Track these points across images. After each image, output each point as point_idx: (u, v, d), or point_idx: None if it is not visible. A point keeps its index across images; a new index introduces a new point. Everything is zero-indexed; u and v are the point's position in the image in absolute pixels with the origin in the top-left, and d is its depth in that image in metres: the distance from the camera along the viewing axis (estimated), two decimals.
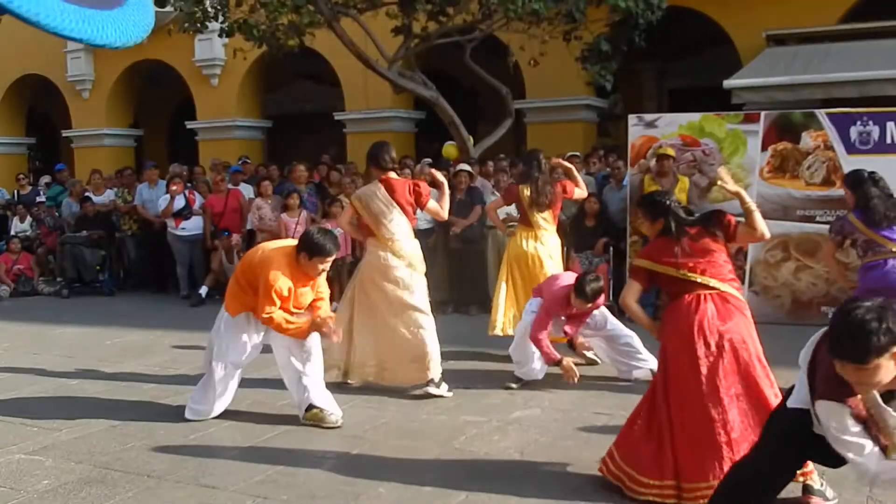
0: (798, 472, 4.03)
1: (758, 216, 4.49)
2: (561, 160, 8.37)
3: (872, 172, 6.24)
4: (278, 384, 6.39)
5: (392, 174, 6.57)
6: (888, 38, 11.94)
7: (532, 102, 14.70)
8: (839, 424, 3.11)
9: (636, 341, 6.67)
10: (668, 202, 4.60)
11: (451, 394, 6.38)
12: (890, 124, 8.46)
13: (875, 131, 8.41)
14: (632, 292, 4.64)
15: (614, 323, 6.75)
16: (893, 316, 2.85)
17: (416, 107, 16.13)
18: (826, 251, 6.81)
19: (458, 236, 10.11)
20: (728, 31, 13.32)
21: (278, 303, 5.42)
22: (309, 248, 5.40)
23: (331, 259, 5.45)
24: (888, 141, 8.41)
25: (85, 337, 9.10)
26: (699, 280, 4.41)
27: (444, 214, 6.97)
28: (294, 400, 5.79)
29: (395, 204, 6.46)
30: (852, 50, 11.78)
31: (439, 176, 6.94)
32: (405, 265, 6.46)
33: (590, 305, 6.38)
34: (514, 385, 6.63)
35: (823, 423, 3.20)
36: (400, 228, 6.51)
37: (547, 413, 5.92)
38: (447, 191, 6.89)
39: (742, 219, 4.59)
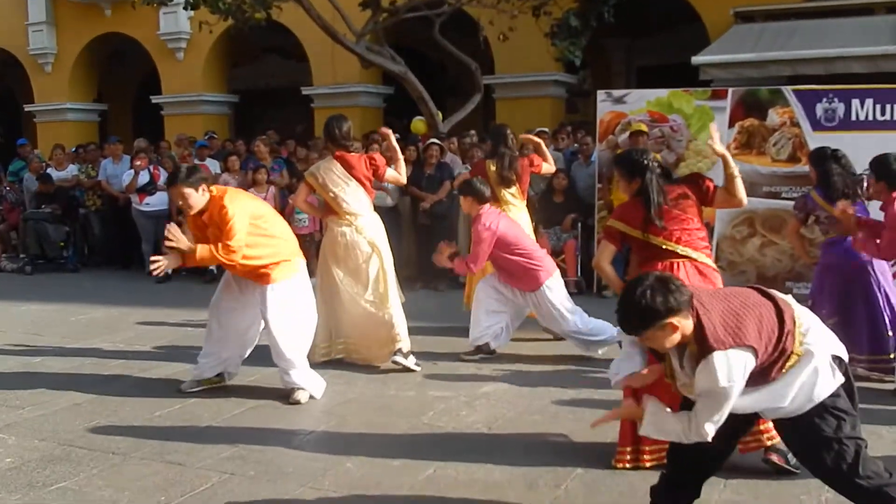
0: (765, 434, 4.11)
1: (739, 182, 4.49)
2: (530, 136, 8.34)
3: (835, 150, 6.29)
4: (246, 360, 6.35)
5: (348, 150, 6.49)
6: (854, 15, 12.03)
7: (501, 78, 14.65)
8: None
9: (588, 334, 6.68)
10: (646, 161, 4.48)
11: (418, 367, 6.38)
12: (855, 101, 8.51)
13: (840, 108, 8.45)
14: (605, 254, 4.60)
15: (560, 313, 6.68)
16: (664, 291, 3.07)
17: (384, 82, 16.02)
18: (790, 227, 6.87)
19: (427, 212, 10.07)
20: (696, 7, 13.34)
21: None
22: None
23: (176, 194, 5.42)
24: (853, 118, 8.46)
25: (49, 314, 8.99)
26: (675, 249, 4.40)
27: (403, 179, 7.01)
28: None
29: (352, 178, 6.38)
30: (819, 27, 11.85)
31: (393, 140, 6.88)
32: (367, 241, 6.42)
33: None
34: (466, 356, 6.70)
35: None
36: (360, 203, 6.45)
37: (514, 388, 5.93)
38: (400, 156, 6.88)
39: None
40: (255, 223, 5.52)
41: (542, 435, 4.95)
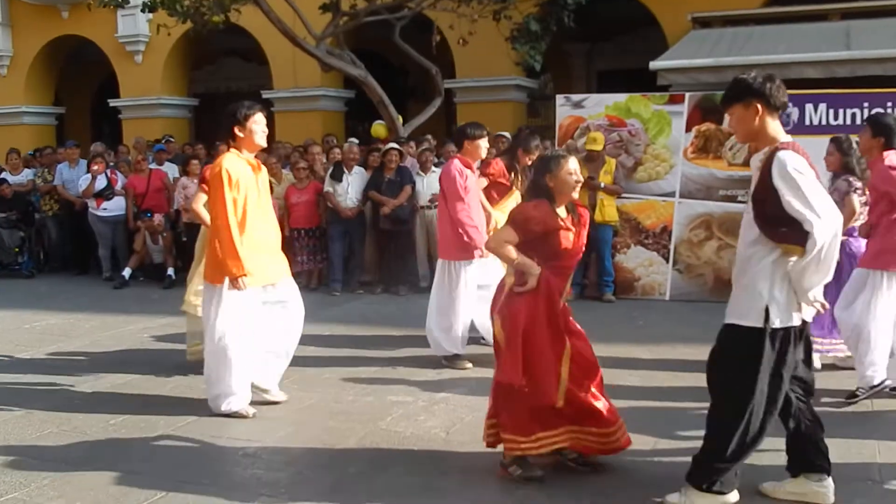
0: None
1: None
2: None
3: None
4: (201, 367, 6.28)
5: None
6: (809, 21, 12.23)
7: (462, 82, 14.67)
8: None
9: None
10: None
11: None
12: (809, 106, 8.67)
13: (794, 113, 8.58)
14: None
15: None
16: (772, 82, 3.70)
17: (345, 86, 15.98)
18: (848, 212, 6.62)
19: (387, 216, 10.04)
20: (654, 13, 13.47)
21: None
22: None
23: None
24: (807, 122, 8.61)
25: (2, 320, 8.83)
26: None
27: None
28: None
29: None
30: (774, 33, 12.02)
31: None
32: None
33: None
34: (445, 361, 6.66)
35: None
36: None
37: (473, 392, 5.91)
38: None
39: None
40: None
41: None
